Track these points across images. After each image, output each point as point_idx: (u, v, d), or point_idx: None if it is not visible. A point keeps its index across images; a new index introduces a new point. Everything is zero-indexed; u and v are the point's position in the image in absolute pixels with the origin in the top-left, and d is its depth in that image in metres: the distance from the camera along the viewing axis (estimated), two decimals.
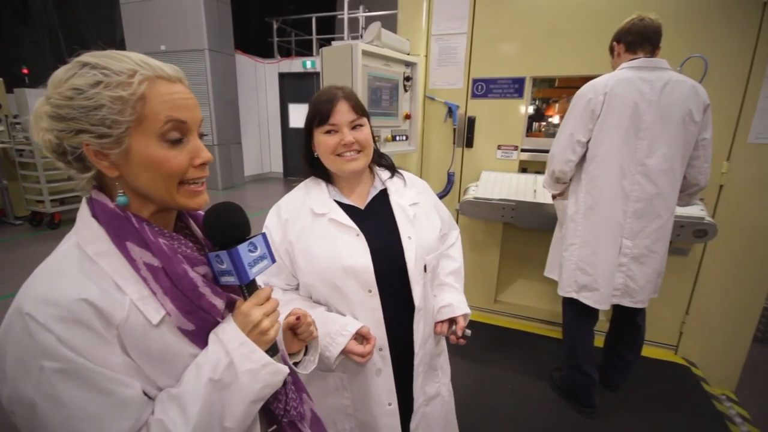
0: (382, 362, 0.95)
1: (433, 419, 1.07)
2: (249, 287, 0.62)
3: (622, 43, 1.59)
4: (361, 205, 0.99)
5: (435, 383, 1.07)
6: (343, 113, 0.91)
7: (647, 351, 2.24)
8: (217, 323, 0.60)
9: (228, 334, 0.58)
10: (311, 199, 0.97)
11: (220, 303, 0.59)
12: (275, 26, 8.57)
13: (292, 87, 8.53)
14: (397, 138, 2.15)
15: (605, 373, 1.90)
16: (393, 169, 1.06)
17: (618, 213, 1.58)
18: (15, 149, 4.80)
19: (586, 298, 1.67)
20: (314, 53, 8.32)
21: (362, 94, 1.82)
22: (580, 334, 1.78)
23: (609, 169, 1.57)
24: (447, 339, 1.06)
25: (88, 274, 0.51)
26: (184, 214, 0.68)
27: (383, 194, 1.02)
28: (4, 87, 5.10)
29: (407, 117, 2.21)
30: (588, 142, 1.59)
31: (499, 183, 2.27)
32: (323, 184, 0.99)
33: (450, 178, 2.49)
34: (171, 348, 0.56)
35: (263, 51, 8.65)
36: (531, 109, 2.44)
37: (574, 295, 1.69)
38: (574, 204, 1.68)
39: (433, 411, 1.07)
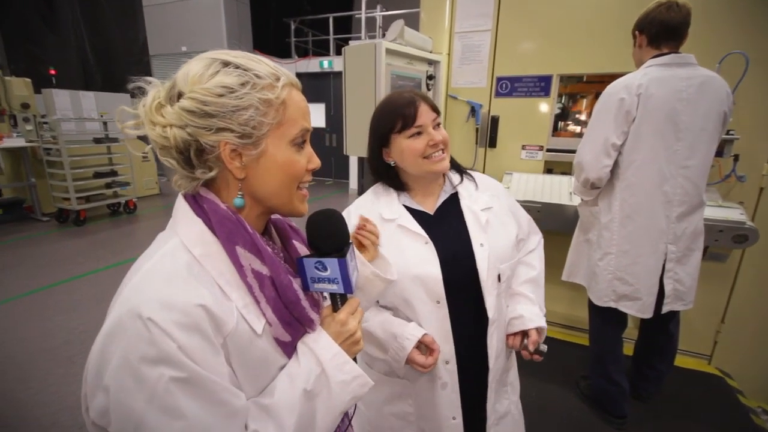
0: (448, 376, 0.91)
1: None
2: (343, 296, 0.62)
3: (644, 34, 1.49)
4: (431, 211, 0.95)
5: (505, 400, 1.02)
6: (426, 113, 0.88)
7: (680, 360, 2.14)
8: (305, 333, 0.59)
9: (321, 344, 0.58)
10: (380, 204, 0.95)
11: (316, 318, 0.59)
12: (293, 27, 8.63)
13: (309, 87, 8.57)
14: None
15: (635, 382, 1.82)
16: (462, 171, 1.01)
17: (660, 219, 1.50)
18: (43, 148, 4.95)
19: (628, 308, 1.59)
20: (331, 53, 8.34)
21: (385, 93, 1.79)
22: (609, 341, 1.71)
23: (648, 175, 1.48)
24: (518, 354, 1.00)
25: (198, 277, 0.50)
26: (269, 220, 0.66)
27: (454, 199, 0.97)
28: (32, 87, 5.27)
29: None
30: (622, 146, 1.51)
31: (524, 184, 2.21)
32: (392, 190, 0.97)
33: None
34: (267, 358, 0.55)
35: (281, 51, 8.72)
36: (557, 108, 2.37)
37: (613, 305, 1.62)
38: (608, 212, 1.59)
39: (505, 430, 1.01)
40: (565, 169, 2.35)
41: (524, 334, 0.96)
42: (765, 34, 1.75)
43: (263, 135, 0.53)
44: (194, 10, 7.37)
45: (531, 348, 0.94)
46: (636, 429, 1.73)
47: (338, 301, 0.62)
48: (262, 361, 0.54)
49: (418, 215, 0.93)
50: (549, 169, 2.38)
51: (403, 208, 0.94)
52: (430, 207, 0.96)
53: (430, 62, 2.11)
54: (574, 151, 2.23)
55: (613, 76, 2.25)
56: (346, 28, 9.16)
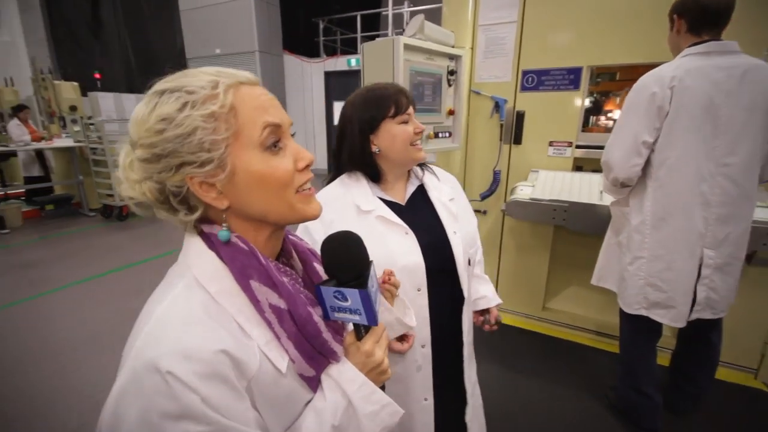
0: (423, 359, 0.94)
1: (479, 409, 1.11)
2: (367, 326, 0.58)
3: (683, 18, 1.36)
4: (402, 202, 0.98)
5: (473, 372, 1.10)
6: (409, 105, 0.93)
7: (722, 373, 1.99)
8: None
9: (346, 376, 0.55)
10: (353, 196, 0.93)
11: (340, 350, 0.56)
12: (321, 26, 8.72)
13: (337, 85, 8.65)
14: (440, 135, 2.06)
15: (672, 395, 1.70)
16: (423, 165, 1.05)
17: (697, 222, 1.38)
18: (89, 147, 5.27)
19: (660, 316, 1.48)
20: (359, 51, 8.35)
21: None
22: (641, 351, 1.61)
23: (683, 174, 1.37)
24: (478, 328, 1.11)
25: (216, 318, 0.47)
26: (285, 241, 0.61)
27: (420, 190, 1.01)
28: (80, 91, 5.63)
29: (451, 113, 2.12)
30: (654, 143, 1.39)
31: (551, 182, 2.11)
32: (363, 181, 0.95)
33: (496, 176, 2.36)
34: (293, 395, 0.52)
35: (310, 50, 8.84)
36: (588, 102, 2.25)
37: (644, 313, 1.51)
38: (639, 213, 1.48)
39: (477, 400, 1.11)
40: (596, 166, 2.22)
41: (484, 311, 1.10)
42: None
43: (224, 153, 0.47)
44: (227, 13, 7.59)
45: (493, 321, 1.08)
46: None
47: (362, 329, 0.58)
48: (288, 398, 0.51)
49: (391, 206, 0.94)
50: (578, 166, 2.26)
51: (378, 199, 0.93)
52: (400, 198, 0.98)
53: (452, 57, 2.06)
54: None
55: (649, 67, 2.12)
56: (374, 25, 9.14)
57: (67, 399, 2.01)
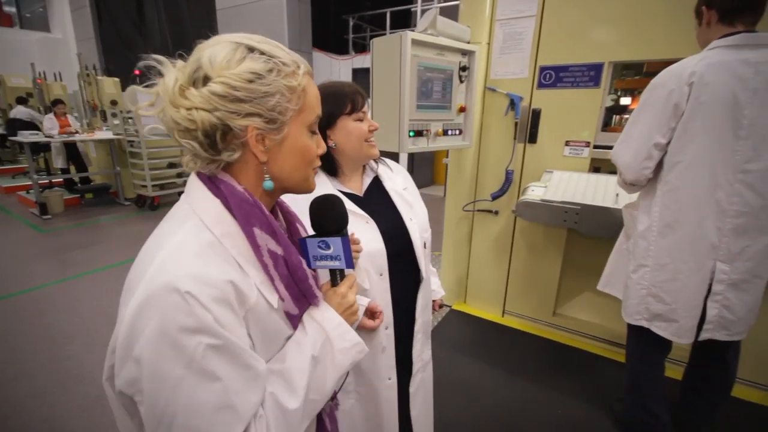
0: (387, 340, 0.99)
1: (428, 384, 1.17)
2: (341, 272, 0.70)
3: (714, 8, 1.25)
4: (360, 193, 1.03)
5: (428, 350, 1.16)
6: (365, 105, 0.98)
7: (741, 392, 1.86)
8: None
9: (326, 315, 0.64)
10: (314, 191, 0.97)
11: (320, 294, 0.65)
12: (351, 23, 8.77)
13: (365, 81, 8.63)
14: (449, 132, 2.03)
15: (682, 413, 1.59)
16: (377, 158, 1.09)
17: (710, 232, 1.28)
18: (126, 140, 5.58)
19: (662, 329, 1.40)
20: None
21: (410, 86, 1.74)
22: (647, 365, 1.52)
23: (697, 178, 1.27)
24: None
25: (221, 255, 0.53)
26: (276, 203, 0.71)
27: (376, 181, 1.07)
28: (121, 86, 5.95)
29: (462, 110, 2.08)
30: (667, 144, 1.30)
31: (564, 183, 2.03)
32: (322, 175, 0.99)
33: (508, 176, 2.30)
34: (280, 330, 0.60)
35: (339, 47, 8.92)
36: (609, 100, 2.14)
37: (644, 324, 1.43)
38: (647, 218, 1.40)
39: (428, 376, 1.17)
40: (615, 168, 2.12)
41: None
42: None
43: (286, 120, 0.56)
44: (259, 11, 7.80)
45: (436, 309, 1.23)
46: None
47: (338, 276, 0.69)
48: (276, 332, 0.59)
49: (350, 198, 0.97)
50: (596, 167, 2.16)
51: (338, 191, 0.95)
52: (358, 189, 1.03)
53: (464, 53, 2.01)
54: None
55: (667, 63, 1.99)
56: (405, 22, 9.10)
57: (85, 379, 2.15)
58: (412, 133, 1.83)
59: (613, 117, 2.28)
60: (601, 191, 1.92)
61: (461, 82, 2.04)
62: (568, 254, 2.30)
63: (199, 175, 0.57)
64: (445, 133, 2.01)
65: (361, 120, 0.97)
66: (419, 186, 1.19)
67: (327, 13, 9.26)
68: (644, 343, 1.50)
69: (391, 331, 1.00)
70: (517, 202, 2.07)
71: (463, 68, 2.01)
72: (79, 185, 6.06)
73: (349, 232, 0.83)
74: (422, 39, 1.75)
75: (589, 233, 1.94)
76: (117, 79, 5.93)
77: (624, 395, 1.64)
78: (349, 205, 0.94)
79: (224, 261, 0.53)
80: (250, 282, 0.54)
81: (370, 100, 1.88)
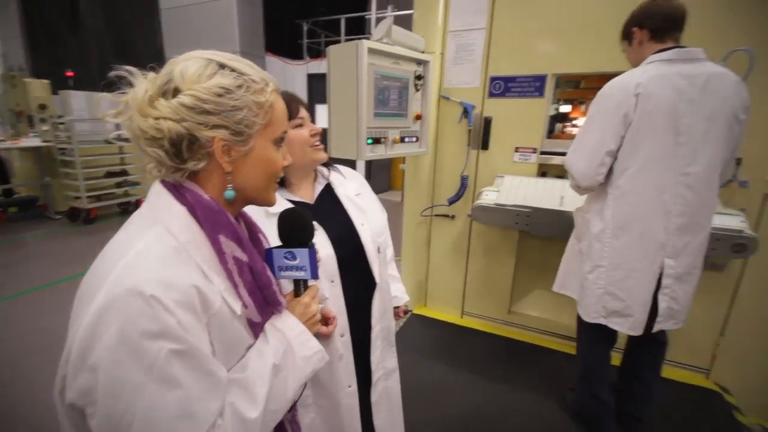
0: (343, 348, 0.99)
1: (394, 393, 1.16)
2: (305, 282, 0.72)
3: (645, 29, 1.38)
4: (311, 201, 1.03)
5: (393, 358, 1.16)
6: (303, 109, 0.98)
7: (676, 374, 2.05)
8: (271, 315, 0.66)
9: (288, 324, 0.65)
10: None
11: (284, 301, 0.67)
12: (305, 28, 8.70)
13: (320, 87, 8.62)
14: (406, 139, 2.07)
15: (623, 396, 1.70)
16: (328, 165, 1.10)
17: (658, 231, 1.38)
18: (57, 147, 5.11)
19: (618, 325, 1.50)
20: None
21: (368, 94, 1.76)
22: (597, 358, 1.63)
23: (646, 182, 1.37)
24: None
25: (185, 262, 0.54)
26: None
27: (328, 188, 1.07)
28: (51, 89, 5.45)
29: (418, 118, 2.13)
30: (617, 150, 1.40)
31: (515, 187, 2.14)
32: None
33: (463, 181, 2.39)
34: (242, 337, 0.60)
35: (293, 52, 8.80)
36: (553, 110, 2.30)
37: (602, 321, 1.52)
38: (599, 221, 1.48)
39: (394, 385, 1.16)
40: (560, 172, 2.28)
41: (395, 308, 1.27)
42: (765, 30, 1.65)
43: (253, 134, 0.58)
44: (208, 12, 7.50)
45: (401, 316, 1.30)
46: None
47: (301, 286, 0.71)
48: (237, 339, 0.60)
49: (300, 206, 0.96)
50: (543, 172, 2.30)
51: (286, 201, 0.96)
52: (309, 197, 1.04)
53: (419, 62, 2.07)
54: None
55: (612, 76, 2.17)
56: (360, 28, 9.18)
57: (20, 408, 1.93)
58: (370, 141, 1.84)
59: (556, 125, 2.45)
60: (547, 194, 2.05)
61: (417, 90, 2.09)
62: (521, 254, 2.43)
63: (164, 183, 0.58)
64: (402, 140, 2.05)
65: (300, 126, 0.97)
66: (377, 191, 1.20)
67: (280, 18, 9.12)
68: (595, 340, 1.61)
69: (347, 338, 0.99)
70: (473, 206, 2.15)
71: (419, 77, 2.07)
72: (1, 198, 5.46)
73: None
74: (378, 48, 1.78)
75: (538, 234, 2.06)
76: (46, 82, 5.42)
77: (577, 387, 1.75)
78: None
79: (189, 267, 0.54)
80: (214, 288, 0.55)
81: (328, 105, 1.88)
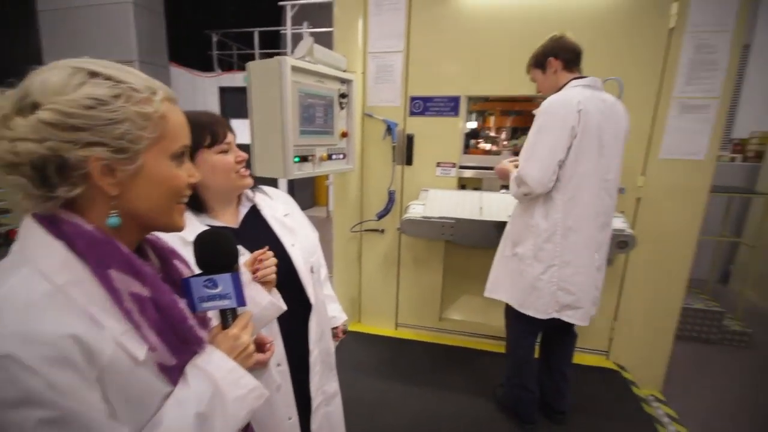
0: (281, 377, 0.95)
1: (335, 419, 1.13)
2: (233, 312, 0.63)
3: (560, 59, 1.60)
4: (236, 225, 0.99)
5: (333, 382, 1.14)
6: (229, 134, 0.94)
7: (582, 358, 2.32)
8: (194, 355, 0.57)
9: (214, 363, 0.56)
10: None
11: (206, 336, 0.59)
12: (215, 39, 8.27)
13: (234, 102, 8.22)
14: (333, 157, 2.08)
15: (551, 399, 1.86)
16: (254, 186, 1.06)
17: (593, 229, 1.61)
18: None
19: (569, 317, 1.64)
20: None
21: (293, 112, 1.73)
22: (527, 351, 1.78)
23: (588, 187, 1.57)
24: None
25: (62, 307, 0.45)
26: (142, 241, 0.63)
27: (254, 211, 1.03)
28: None
29: (344, 135, 2.15)
30: (564, 160, 1.55)
31: (439, 200, 2.27)
32: (188, 213, 0.90)
33: (391, 196, 2.46)
34: (150, 387, 0.51)
35: (202, 64, 8.29)
36: (468, 127, 2.49)
37: (555, 315, 1.66)
38: (547, 224, 1.60)
39: (336, 410, 1.14)
40: (477, 184, 2.47)
41: (334, 328, 1.24)
42: (634, 62, 2.01)
43: (141, 149, 0.50)
44: (99, 17, 6.72)
45: (340, 336, 1.28)
46: (540, 428, 1.82)
47: (229, 317, 0.63)
48: (145, 391, 0.51)
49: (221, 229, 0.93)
50: (462, 185, 2.48)
51: (206, 227, 0.90)
52: (233, 222, 0.99)
53: (343, 81, 2.10)
54: (485, 168, 2.37)
55: (515, 99, 2.43)
56: (275, 43, 9.00)
57: None
58: (297, 159, 1.81)
59: (470, 141, 2.66)
60: (468, 205, 2.20)
61: (342, 108, 2.12)
62: (448, 263, 2.56)
63: (36, 216, 0.50)
64: (329, 157, 2.04)
65: (225, 152, 0.92)
66: (301, 208, 1.18)
67: (186, 27, 8.55)
68: (525, 331, 1.75)
69: (285, 367, 0.95)
70: (401, 220, 2.22)
71: (343, 95, 2.09)
72: None
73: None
74: (301, 65, 1.77)
75: (462, 243, 2.20)
76: None
77: (506, 381, 1.88)
78: None
79: (66, 313, 0.45)
80: (104, 335, 0.47)
81: (250, 124, 1.80)
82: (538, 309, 1.67)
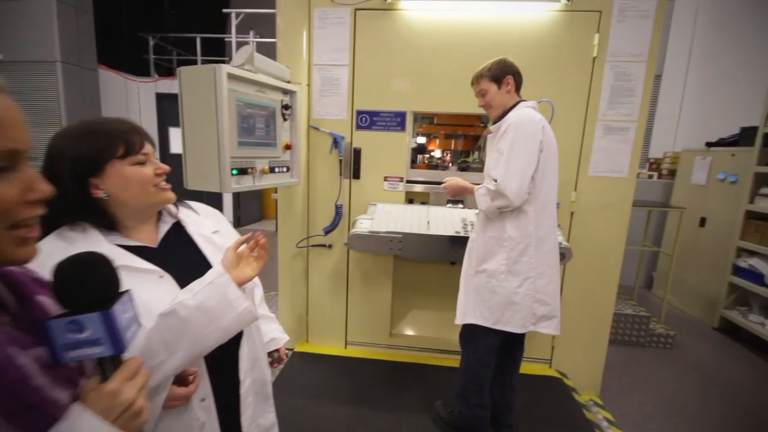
0: (206, 414, 0.85)
1: None
2: (115, 358, 0.50)
3: (513, 80, 1.65)
4: (154, 244, 0.88)
5: (270, 413, 1.04)
6: (147, 144, 0.86)
7: (527, 368, 2.37)
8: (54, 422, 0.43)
9: (82, 430, 0.44)
10: (80, 251, 0.78)
11: (64, 396, 0.46)
12: (151, 42, 7.78)
13: (173, 109, 7.74)
14: (276, 170, 1.98)
15: (500, 414, 1.87)
16: (177, 201, 0.97)
17: (557, 239, 1.68)
18: None
19: (545, 327, 1.67)
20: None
21: (229, 121, 1.62)
22: (489, 368, 1.76)
23: (552, 199, 1.65)
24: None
25: None
26: None
27: (177, 228, 0.94)
28: None
29: (288, 147, 2.07)
30: (534, 173, 1.60)
31: (387, 215, 2.24)
32: (94, 231, 0.80)
33: (338, 210, 2.39)
34: None
35: (137, 68, 7.73)
36: (414, 142, 2.51)
37: (532, 328, 1.66)
38: (524, 237, 1.61)
39: None
40: (425, 199, 2.49)
41: (275, 350, 1.16)
42: (565, 87, 2.14)
43: None
44: (16, 14, 6.07)
45: (283, 359, 1.19)
46: None
47: (108, 367, 0.50)
48: None
49: (139, 251, 0.83)
50: (410, 199, 2.48)
51: (117, 247, 0.81)
52: (151, 240, 0.88)
53: (286, 92, 2.03)
54: (431, 183, 2.39)
55: (459, 116, 2.49)
56: (219, 51, 8.66)
57: None
58: (235, 172, 1.69)
59: (417, 156, 2.68)
60: (416, 220, 2.20)
61: (285, 120, 2.03)
62: (397, 278, 2.53)
63: None
64: (272, 170, 1.94)
65: (142, 163, 0.83)
66: (249, 222, 1.09)
67: (118, 28, 7.98)
68: (491, 350, 1.73)
69: (210, 402, 0.86)
70: (349, 235, 2.16)
71: (286, 107, 2.02)
72: None
73: (136, 294, 0.62)
74: (239, 74, 1.67)
75: (410, 257, 2.19)
76: None
77: (461, 401, 1.82)
78: (131, 261, 0.78)
79: None
80: None
81: (182, 133, 1.66)
82: (516, 324, 1.64)
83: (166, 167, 0.88)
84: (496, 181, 1.56)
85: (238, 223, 7.13)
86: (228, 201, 7.24)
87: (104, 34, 7.15)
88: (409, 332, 2.63)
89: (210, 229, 0.98)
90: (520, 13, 2.13)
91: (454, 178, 1.82)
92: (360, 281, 2.53)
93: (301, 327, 2.63)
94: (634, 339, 3.30)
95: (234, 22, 6.92)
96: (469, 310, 1.71)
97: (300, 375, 2.35)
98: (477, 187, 1.67)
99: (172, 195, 0.89)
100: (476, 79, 1.70)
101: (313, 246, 2.52)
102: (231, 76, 1.61)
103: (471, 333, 1.74)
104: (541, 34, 2.13)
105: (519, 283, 1.62)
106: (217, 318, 0.76)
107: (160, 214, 0.93)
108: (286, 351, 1.21)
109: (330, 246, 2.50)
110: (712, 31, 4.76)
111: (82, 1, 6.62)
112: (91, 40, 6.83)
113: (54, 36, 6.12)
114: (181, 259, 0.88)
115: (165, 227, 0.92)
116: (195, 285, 0.78)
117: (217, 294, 0.77)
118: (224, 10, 6.72)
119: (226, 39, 7.76)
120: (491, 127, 1.70)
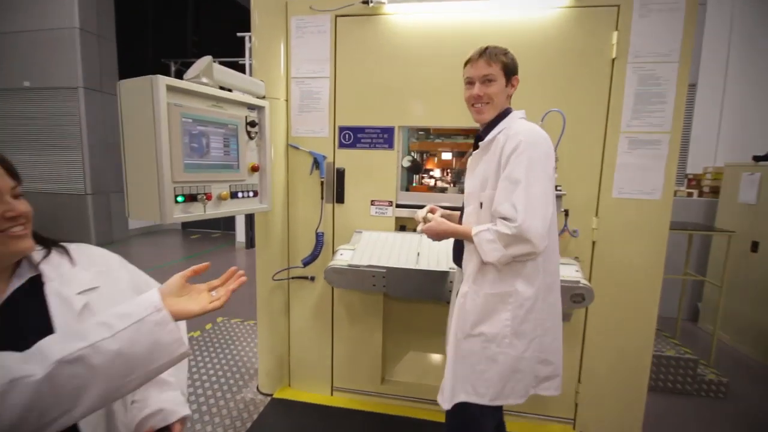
0: None
1: None
2: None
3: (515, 85, 1.33)
4: None
5: None
6: (2, 177, 0.68)
7: (543, 428, 1.97)
8: None
9: None
10: None
11: None
12: (173, 68, 8.01)
13: None
14: (240, 195, 1.73)
15: None
16: (51, 244, 0.79)
17: (560, 283, 1.36)
18: None
19: (546, 389, 1.35)
20: None
21: (171, 141, 1.39)
22: None
23: (555, 232, 1.31)
24: None
25: None
26: None
27: (33, 285, 0.73)
28: None
29: (255, 169, 1.82)
30: None
31: (372, 244, 1.94)
32: None
33: (318, 238, 2.11)
34: None
35: None
36: (407, 161, 2.22)
37: (532, 392, 1.33)
38: (531, 290, 1.26)
39: None
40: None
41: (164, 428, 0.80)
42: (578, 94, 1.81)
43: None
44: (43, 43, 6.42)
45: None
46: None
47: None
48: None
49: None
50: (402, 226, 2.17)
51: None
52: None
53: (252, 107, 1.80)
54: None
55: (450, 130, 2.19)
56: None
57: None
58: (181, 199, 1.45)
59: (412, 177, 2.38)
60: (405, 251, 1.89)
61: (251, 138, 1.80)
62: (388, 316, 2.21)
63: None
64: (233, 195, 1.70)
65: None
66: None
67: (143, 56, 8.30)
68: (484, 422, 1.37)
69: None
70: (325, 269, 1.87)
71: (252, 123, 1.78)
72: None
73: None
74: (186, 87, 1.45)
75: (397, 295, 1.86)
76: None
77: None
78: None
79: None
80: None
81: (122, 156, 1.45)
82: (518, 394, 1.30)
83: (21, 209, 0.69)
84: (507, 220, 1.18)
85: (250, 244, 7.00)
86: (240, 222, 7.16)
87: (128, 60, 7.41)
88: (405, 378, 2.28)
89: (82, 285, 0.76)
90: (522, 12, 1.83)
91: (435, 217, 1.40)
92: (347, 318, 2.22)
93: (282, 369, 2.33)
94: (678, 387, 2.78)
95: (248, 45, 6.98)
96: (458, 386, 1.32)
97: (277, 427, 2.04)
98: (476, 230, 1.24)
99: (27, 244, 0.71)
100: (488, 58, 1.25)
101: (293, 278, 2.24)
102: (173, 89, 1.39)
103: (463, 418, 1.36)
104: (548, 35, 1.82)
105: (525, 346, 1.27)
106: (143, 365, 0.62)
107: (16, 266, 0.74)
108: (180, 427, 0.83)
109: (313, 278, 2.22)
110: (749, 37, 4.32)
111: (106, 30, 6.91)
112: (113, 66, 7.10)
113: (77, 63, 6.38)
114: (19, 327, 0.69)
115: (18, 282, 0.72)
116: (116, 318, 0.62)
117: (148, 337, 0.62)
118: (238, 34, 6.76)
119: (240, 62, 7.88)
120: (482, 143, 1.32)
